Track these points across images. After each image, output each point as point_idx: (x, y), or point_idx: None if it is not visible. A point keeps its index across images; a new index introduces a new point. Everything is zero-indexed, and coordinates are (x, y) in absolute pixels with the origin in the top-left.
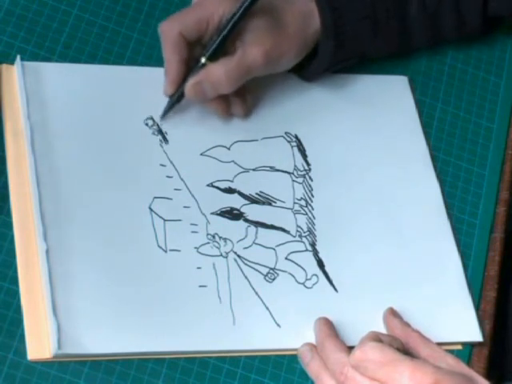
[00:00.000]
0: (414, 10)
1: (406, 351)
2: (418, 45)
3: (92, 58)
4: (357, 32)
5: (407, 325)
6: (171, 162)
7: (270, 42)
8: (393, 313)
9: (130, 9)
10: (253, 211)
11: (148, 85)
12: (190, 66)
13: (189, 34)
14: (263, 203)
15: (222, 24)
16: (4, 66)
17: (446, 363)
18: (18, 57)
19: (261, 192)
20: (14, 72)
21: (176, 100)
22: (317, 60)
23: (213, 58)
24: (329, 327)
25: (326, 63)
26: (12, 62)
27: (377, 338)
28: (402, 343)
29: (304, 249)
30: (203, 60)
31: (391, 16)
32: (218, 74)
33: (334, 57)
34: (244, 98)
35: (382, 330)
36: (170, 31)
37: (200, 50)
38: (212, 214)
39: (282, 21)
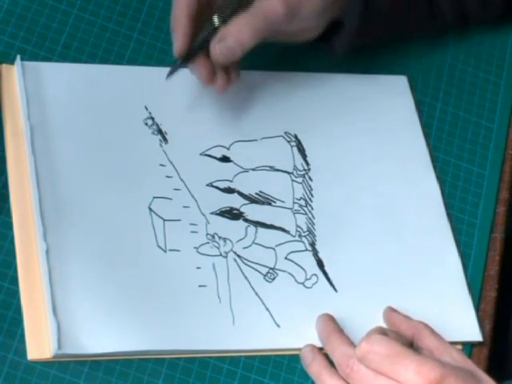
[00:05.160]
0: None
1: (412, 345)
2: (443, 25)
3: (92, 58)
4: (384, 4)
5: (410, 318)
6: (171, 162)
7: None
8: (393, 310)
9: (129, 9)
10: (252, 211)
11: (148, 85)
12: (199, 28)
13: None
14: (263, 203)
15: None
16: (4, 66)
17: (451, 357)
18: (18, 57)
19: (260, 192)
20: (14, 72)
21: (184, 59)
22: (344, 28)
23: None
24: (334, 322)
25: (353, 31)
26: (12, 62)
27: (383, 332)
28: (406, 339)
29: (304, 248)
30: (216, 19)
31: None
32: (240, 26)
33: (360, 25)
34: (229, 74)
35: None
36: None
37: (210, 12)
38: (211, 213)
39: None
